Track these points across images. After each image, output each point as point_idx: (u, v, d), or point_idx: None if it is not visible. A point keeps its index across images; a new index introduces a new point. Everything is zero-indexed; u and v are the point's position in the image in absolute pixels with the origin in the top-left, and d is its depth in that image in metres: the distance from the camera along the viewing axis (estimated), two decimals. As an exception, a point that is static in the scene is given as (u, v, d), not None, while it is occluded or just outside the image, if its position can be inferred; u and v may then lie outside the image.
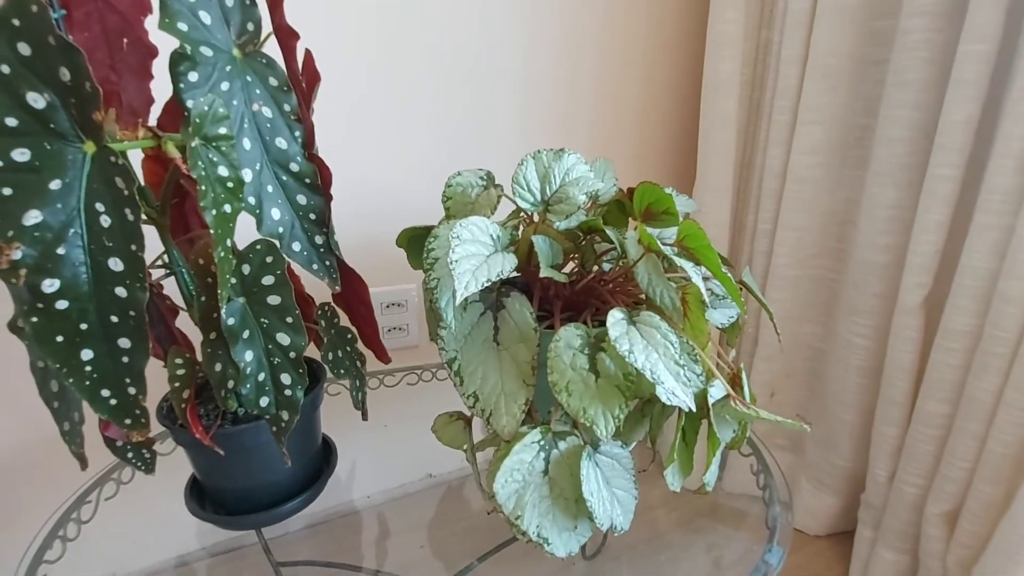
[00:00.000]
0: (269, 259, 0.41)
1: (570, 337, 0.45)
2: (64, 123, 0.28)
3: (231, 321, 0.41)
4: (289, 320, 0.42)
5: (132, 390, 0.31)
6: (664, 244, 0.51)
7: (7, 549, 0.64)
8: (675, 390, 0.38)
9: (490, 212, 0.52)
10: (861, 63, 0.78)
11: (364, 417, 0.57)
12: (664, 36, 0.96)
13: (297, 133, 0.43)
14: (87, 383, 0.30)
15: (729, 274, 0.44)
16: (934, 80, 0.69)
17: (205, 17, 0.38)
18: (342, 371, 0.52)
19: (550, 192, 0.46)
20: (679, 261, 0.41)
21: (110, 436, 0.45)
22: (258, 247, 0.41)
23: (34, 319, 0.28)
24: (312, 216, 0.44)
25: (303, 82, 0.45)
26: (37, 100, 0.27)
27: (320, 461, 0.56)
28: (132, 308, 0.30)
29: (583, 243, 0.51)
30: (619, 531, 0.44)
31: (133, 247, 0.29)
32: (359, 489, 0.69)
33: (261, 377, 0.42)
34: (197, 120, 0.34)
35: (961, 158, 0.66)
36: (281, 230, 0.43)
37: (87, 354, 0.30)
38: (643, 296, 0.53)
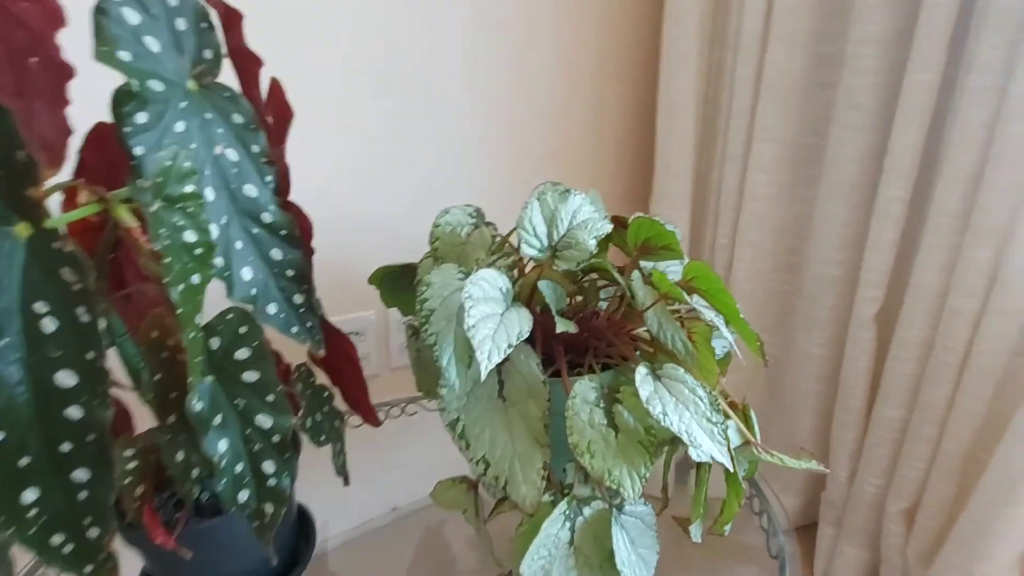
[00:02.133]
0: (243, 329, 0.35)
1: (585, 391, 0.42)
2: (-15, 200, 0.21)
3: (199, 406, 0.34)
4: (270, 399, 0.36)
5: (94, 531, 0.24)
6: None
7: None
8: (713, 451, 0.36)
9: (484, 254, 0.47)
10: (811, 85, 0.81)
11: (346, 482, 0.51)
12: (616, 53, 0.95)
13: (268, 178, 0.36)
14: (32, 531, 0.23)
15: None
16: (883, 104, 0.73)
17: (152, 44, 0.31)
18: (322, 437, 0.46)
19: (557, 237, 0.42)
20: (709, 315, 0.39)
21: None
22: (229, 316, 0.34)
23: (-48, 463, 0.21)
24: (289, 272, 0.38)
25: (269, 117, 0.38)
26: (-54, 172, 0.20)
27: (295, 534, 0.49)
28: (91, 430, 0.23)
29: (586, 283, 0.48)
30: (645, 593, 0.41)
31: (89, 355, 0.23)
32: (320, 530, 0.63)
33: (239, 468, 0.35)
34: (159, 179, 0.27)
35: (910, 181, 0.70)
36: (254, 291, 0.36)
37: (30, 495, 0.23)
38: (639, 332, 0.51)
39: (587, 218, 0.43)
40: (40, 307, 0.22)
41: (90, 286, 0.22)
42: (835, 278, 0.82)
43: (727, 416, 0.44)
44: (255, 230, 0.36)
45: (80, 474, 0.24)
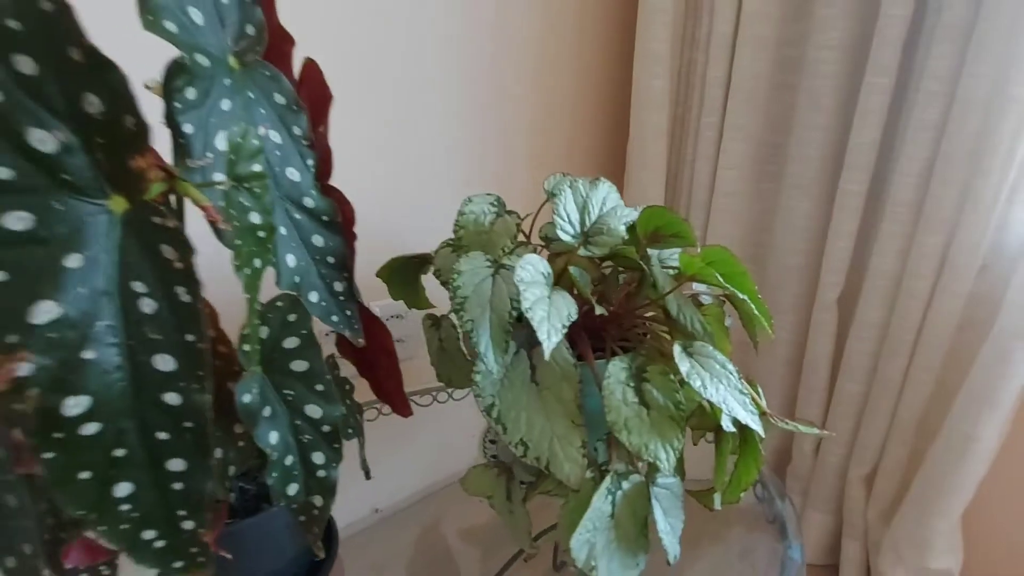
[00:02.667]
0: (292, 317, 0.34)
1: (617, 372, 0.43)
2: (83, 172, 0.20)
3: (247, 398, 0.33)
4: (319, 388, 0.35)
5: (189, 524, 0.23)
6: (665, 266, 0.52)
7: None
8: (748, 420, 0.38)
9: (509, 242, 0.48)
10: (775, 87, 0.87)
11: (368, 476, 0.50)
12: (593, 53, 0.98)
13: (310, 161, 0.35)
14: (123, 527, 0.22)
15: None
16: (842, 105, 0.79)
17: (196, 16, 0.30)
18: (350, 431, 0.45)
19: (589, 223, 0.43)
20: (742, 295, 0.41)
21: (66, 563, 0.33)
22: (279, 304, 0.33)
23: (49, 456, 0.20)
24: (330, 259, 0.37)
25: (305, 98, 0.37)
26: (44, 141, 0.18)
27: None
28: (189, 418, 0.22)
29: (608, 271, 0.49)
30: (675, 560, 0.43)
31: (189, 337, 0.21)
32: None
33: (289, 461, 0.34)
34: (232, 156, 0.26)
35: (867, 175, 0.77)
36: (297, 279, 0.35)
37: (123, 489, 0.21)
38: (647, 317, 0.53)
39: (614, 205, 0.44)
40: (138, 287, 0.20)
41: (190, 264, 0.21)
42: (799, 267, 0.89)
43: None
44: (297, 215, 0.35)
45: (176, 464, 0.22)
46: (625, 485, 0.42)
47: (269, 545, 0.41)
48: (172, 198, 0.28)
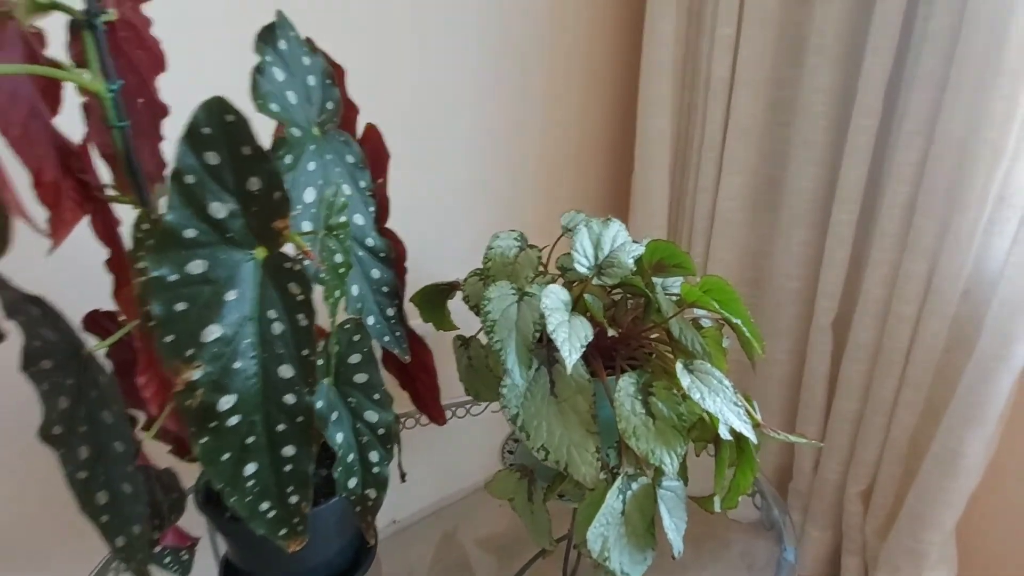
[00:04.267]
0: (356, 337, 0.40)
1: (627, 386, 0.49)
2: (241, 231, 0.27)
3: (319, 404, 0.39)
4: (376, 397, 0.41)
5: (294, 499, 0.29)
6: (668, 293, 0.58)
7: None
8: (742, 429, 0.45)
9: (531, 272, 0.55)
10: (771, 124, 0.95)
11: (403, 478, 0.56)
12: (599, 92, 1.06)
13: (371, 208, 0.43)
14: (248, 499, 0.28)
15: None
16: (832, 143, 0.86)
17: (292, 97, 0.38)
18: (392, 438, 0.51)
19: (601, 257, 0.50)
20: (736, 319, 0.48)
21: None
22: (347, 326, 0.40)
23: (204, 440, 0.26)
24: (384, 289, 0.44)
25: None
26: (219, 210, 0.26)
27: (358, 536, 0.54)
28: (300, 414, 0.29)
29: (619, 298, 0.56)
30: (679, 555, 0.49)
31: (304, 352, 0.28)
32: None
33: (351, 458, 0.41)
34: (325, 212, 0.33)
35: (857, 207, 0.84)
36: (359, 305, 0.42)
37: (251, 468, 0.28)
38: (652, 338, 0.60)
39: (624, 242, 0.51)
40: (272, 314, 0.27)
41: (309, 297, 0.28)
42: (796, 290, 0.95)
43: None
44: (360, 253, 0.42)
45: (288, 450, 0.29)
46: (634, 486, 0.48)
47: (327, 532, 0.47)
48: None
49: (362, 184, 0.42)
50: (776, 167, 0.97)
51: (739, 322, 0.50)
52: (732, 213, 0.99)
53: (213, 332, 0.26)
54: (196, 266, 0.25)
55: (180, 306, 0.25)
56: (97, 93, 0.33)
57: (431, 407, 0.53)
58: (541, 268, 0.59)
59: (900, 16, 0.76)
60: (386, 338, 0.44)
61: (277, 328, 0.28)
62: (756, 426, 0.53)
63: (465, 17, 0.85)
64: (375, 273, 0.43)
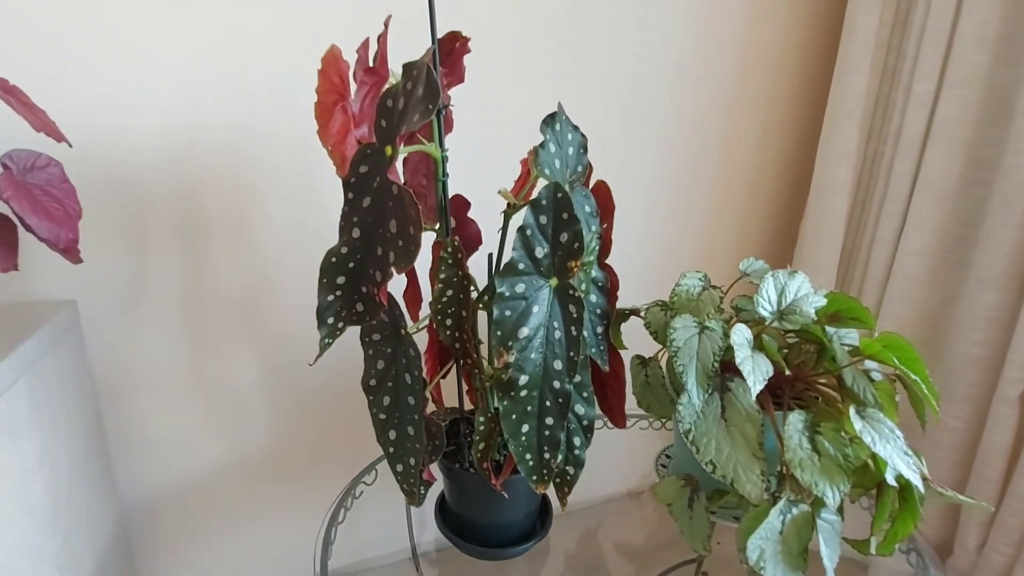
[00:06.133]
0: (577, 346, 0.52)
1: (796, 422, 0.56)
2: (547, 266, 0.40)
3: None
4: (585, 395, 0.53)
5: (547, 455, 0.42)
6: (842, 343, 0.62)
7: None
8: (909, 475, 0.49)
9: (712, 309, 0.63)
10: (966, 183, 0.92)
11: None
12: (777, 135, 1.10)
13: (595, 246, 0.55)
14: (520, 449, 0.41)
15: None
16: (1039, 209, 0.82)
17: (557, 163, 0.51)
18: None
19: (784, 305, 0.57)
20: (914, 376, 0.52)
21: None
22: (572, 337, 0.52)
23: (505, 403, 0.39)
24: (598, 311, 0.56)
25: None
26: (539, 252, 0.39)
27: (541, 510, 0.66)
28: (561, 396, 0.41)
29: (793, 342, 0.62)
30: (831, 583, 0.54)
31: (571, 353, 0.40)
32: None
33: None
34: (589, 255, 0.45)
35: (1064, 278, 0.79)
36: (579, 322, 0.54)
37: (525, 428, 0.41)
38: (820, 382, 0.64)
39: (806, 293, 0.58)
40: (555, 324, 0.40)
41: (582, 315, 0.40)
42: (979, 357, 0.90)
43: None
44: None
45: (549, 420, 0.41)
46: (794, 511, 0.54)
47: (522, 496, 0.59)
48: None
49: (593, 228, 0.54)
50: (968, 226, 0.93)
51: (917, 379, 0.54)
52: (913, 268, 0.97)
53: (523, 332, 0.39)
54: (519, 287, 0.38)
55: (508, 312, 0.38)
56: (433, 155, 0.48)
57: (615, 411, 0.63)
58: (721, 307, 0.67)
59: None
60: (593, 349, 0.56)
61: (556, 334, 0.40)
62: (924, 479, 0.55)
63: (653, 65, 0.96)
64: (592, 298, 0.55)
